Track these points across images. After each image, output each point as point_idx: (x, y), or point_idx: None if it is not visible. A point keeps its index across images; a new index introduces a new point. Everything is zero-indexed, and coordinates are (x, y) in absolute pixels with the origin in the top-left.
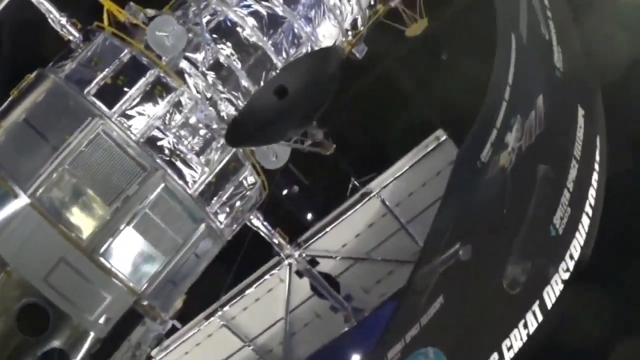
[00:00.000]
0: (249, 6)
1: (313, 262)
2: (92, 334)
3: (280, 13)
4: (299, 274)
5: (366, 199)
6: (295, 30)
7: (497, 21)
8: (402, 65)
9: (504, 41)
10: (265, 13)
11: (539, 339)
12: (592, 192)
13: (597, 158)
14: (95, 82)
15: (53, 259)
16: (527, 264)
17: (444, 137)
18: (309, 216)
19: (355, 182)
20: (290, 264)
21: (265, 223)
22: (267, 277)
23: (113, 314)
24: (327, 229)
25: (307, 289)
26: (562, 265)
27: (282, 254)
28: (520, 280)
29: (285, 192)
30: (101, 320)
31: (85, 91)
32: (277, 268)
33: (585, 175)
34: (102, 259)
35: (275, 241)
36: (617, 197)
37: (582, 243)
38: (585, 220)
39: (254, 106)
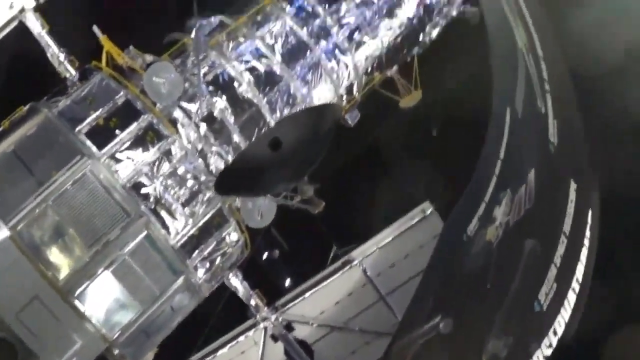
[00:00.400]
0: (247, 62)
1: (289, 327)
2: None
3: (278, 72)
4: (274, 338)
5: (347, 267)
6: (292, 91)
7: (493, 95)
8: (393, 135)
9: (498, 115)
10: (262, 70)
11: None
12: (580, 268)
13: (588, 233)
14: (87, 121)
15: (27, 295)
16: (509, 339)
17: (430, 210)
18: (288, 282)
19: (337, 251)
20: (265, 327)
21: (244, 283)
22: (241, 338)
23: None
24: (306, 295)
25: (280, 355)
26: (545, 341)
27: (258, 316)
28: (501, 355)
29: (265, 255)
30: None
31: (77, 129)
32: (252, 330)
33: (573, 250)
34: (76, 302)
35: (253, 302)
36: None
37: (567, 319)
38: (572, 296)
39: (247, 156)
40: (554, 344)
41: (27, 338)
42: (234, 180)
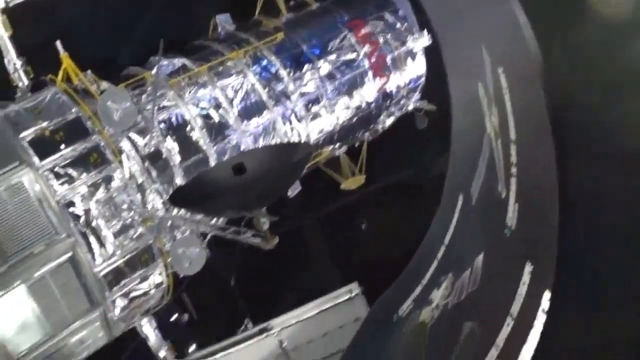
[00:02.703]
0: (203, 108)
1: None
2: None
3: (232, 124)
4: None
5: (264, 335)
6: (242, 146)
7: (446, 180)
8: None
9: (449, 201)
10: (217, 120)
11: None
12: (526, 349)
13: (539, 314)
14: (33, 129)
15: None
16: None
17: (356, 292)
18: (193, 348)
19: (250, 323)
20: None
21: (157, 331)
22: None
23: None
24: (217, 356)
25: None
26: None
27: None
28: None
29: (173, 318)
30: None
31: (21, 135)
32: None
33: (520, 331)
34: None
35: (162, 354)
36: None
37: None
38: None
39: (209, 175)
40: None
41: None
42: (189, 195)
